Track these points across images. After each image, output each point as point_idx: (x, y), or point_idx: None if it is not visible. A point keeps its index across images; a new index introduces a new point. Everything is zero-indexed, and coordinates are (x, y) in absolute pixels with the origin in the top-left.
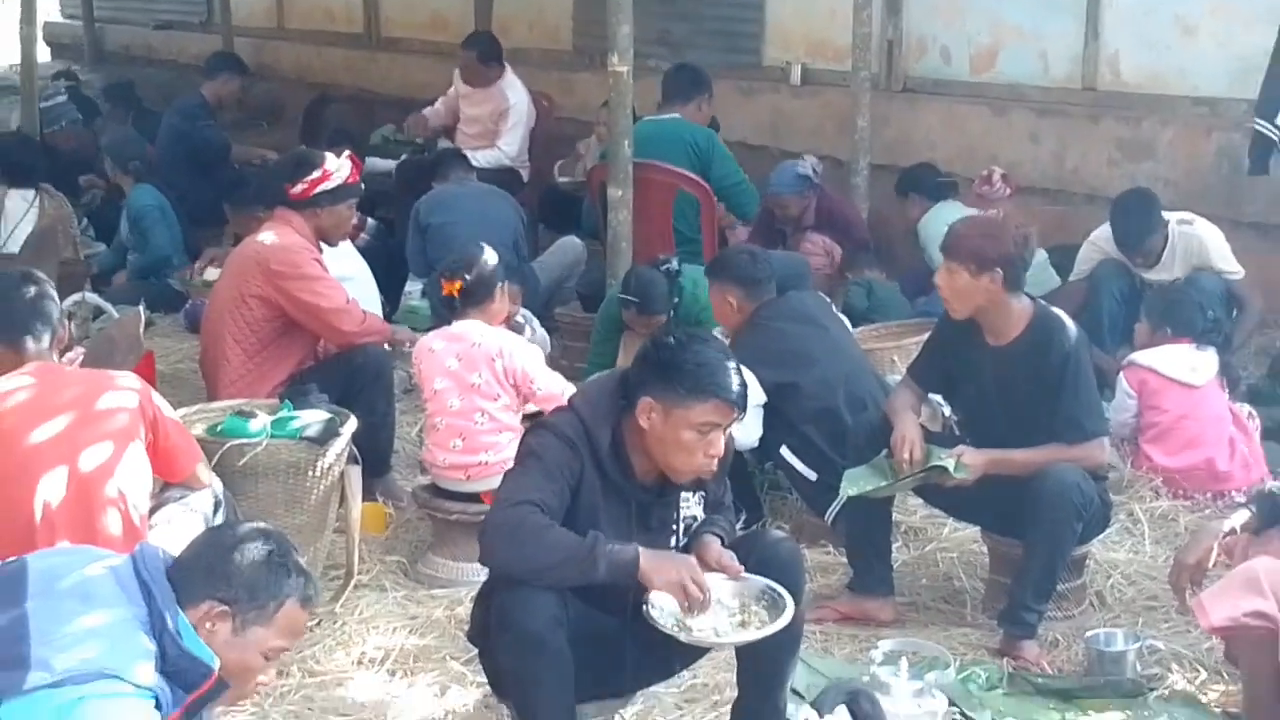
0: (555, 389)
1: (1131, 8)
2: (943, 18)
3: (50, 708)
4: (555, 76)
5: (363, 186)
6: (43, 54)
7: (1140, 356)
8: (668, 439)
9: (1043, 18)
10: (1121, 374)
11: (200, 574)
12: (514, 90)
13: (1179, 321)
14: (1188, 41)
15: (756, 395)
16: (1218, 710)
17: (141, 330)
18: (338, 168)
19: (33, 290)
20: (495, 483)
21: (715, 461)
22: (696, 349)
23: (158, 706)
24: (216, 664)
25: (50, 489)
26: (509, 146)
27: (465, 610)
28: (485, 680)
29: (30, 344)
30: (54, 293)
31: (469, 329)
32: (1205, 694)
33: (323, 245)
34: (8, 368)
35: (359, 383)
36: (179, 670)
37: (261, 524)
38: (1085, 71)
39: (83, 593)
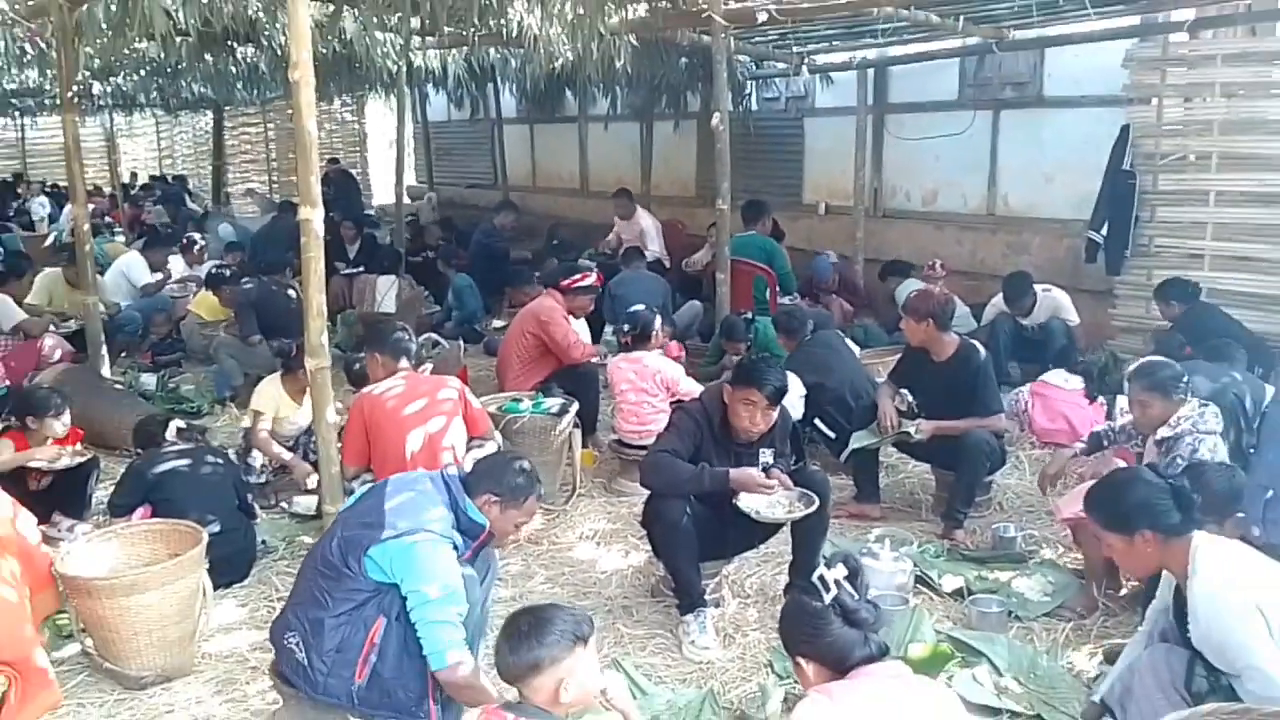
0: (690, 388)
1: (1015, 168)
2: (905, 174)
3: (399, 547)
4: (685, 210)
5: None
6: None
7: (1047, 376)
8: (734, 410)
9: (963, 174)
10: (1030, 386)
11: (483, 479)
12: (644, 217)
13: (1066, 365)
14: (1049, 186)
15: (799, 389)
16: (1068, 568)
17: (461, 354)
18: (590, 279)
19: (405, 333)
20: (651, 441)
21: (754, 425)
22: (756, 362)
23: (455, 548)
24: (489, 526)
25: (414, 440)
26: (653, 248)
27: (638, 510)
28: (650, 548)
29: (404, 361)
30: (412, 334)
31: (640, 355)
32: (1062, 560)
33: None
34: (388, 374)
35: (580, 383)
36: (467, 530)
37: (520, 455)
38: (988, 204)
39: (417, 491)
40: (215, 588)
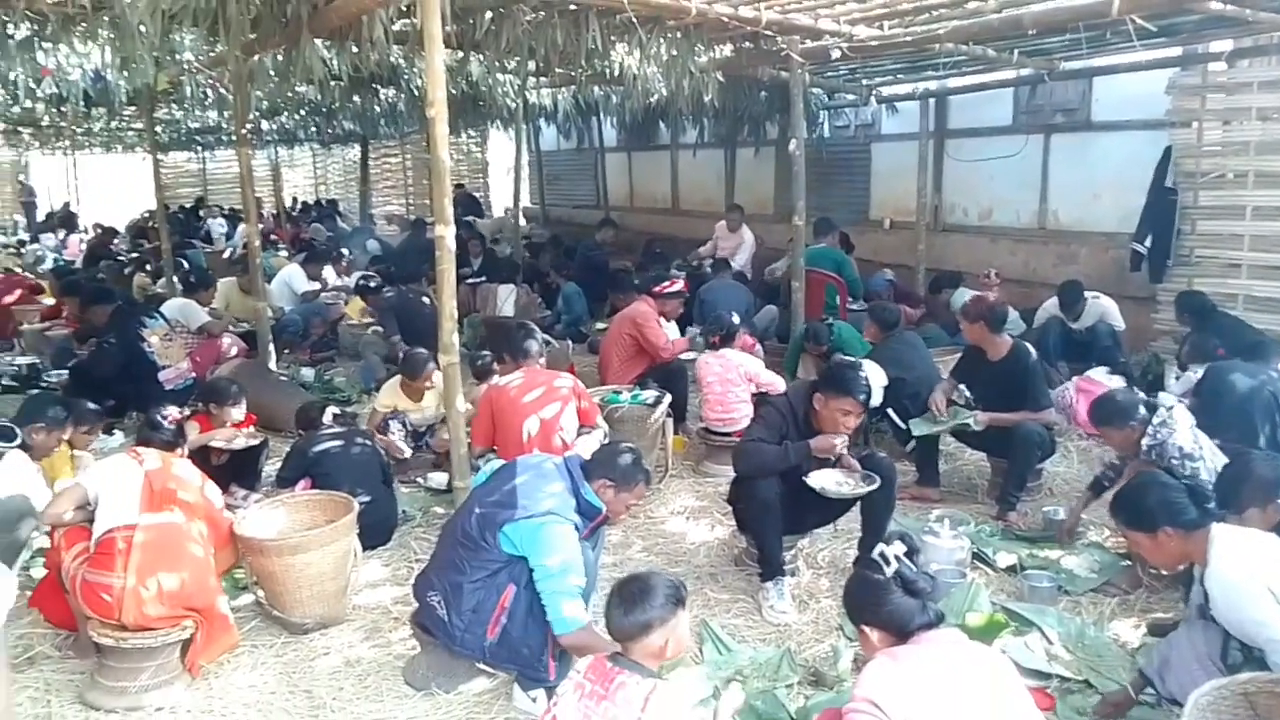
0: (771, 378)
1: (1065, 186)
2: (963, 192)
3: (529, 526)
4: (764, 226)
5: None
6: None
7: (1091, 373)
8: (827, 416)
9: (1016, 192)
10: (1076, 380)
11: (600, 465)
12: (747, 233)
13: (1110, 365)
14: (1096, 203)
15: (882, 379)
16: (1112, 551)
17: (569, 352)
18: (678, 285)
19: (524, 332)
20: (737, 428)
21: (848, 429)
22: (847, 371)
23: (575, 528)
24: (604, 509)
25: (531, 425)
26: (741, 260)
27: (723, 490)
28: (734, 523)
29: (524, 358)
30: (537, 334)
31: (726, 354)
32: (1107, 542)
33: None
34: (514, 369)
35: (672, 378)
36: (585, 511)
37: (629, 443)
38: (1040, 219)
39: (542, 474)
40: (363, 550)
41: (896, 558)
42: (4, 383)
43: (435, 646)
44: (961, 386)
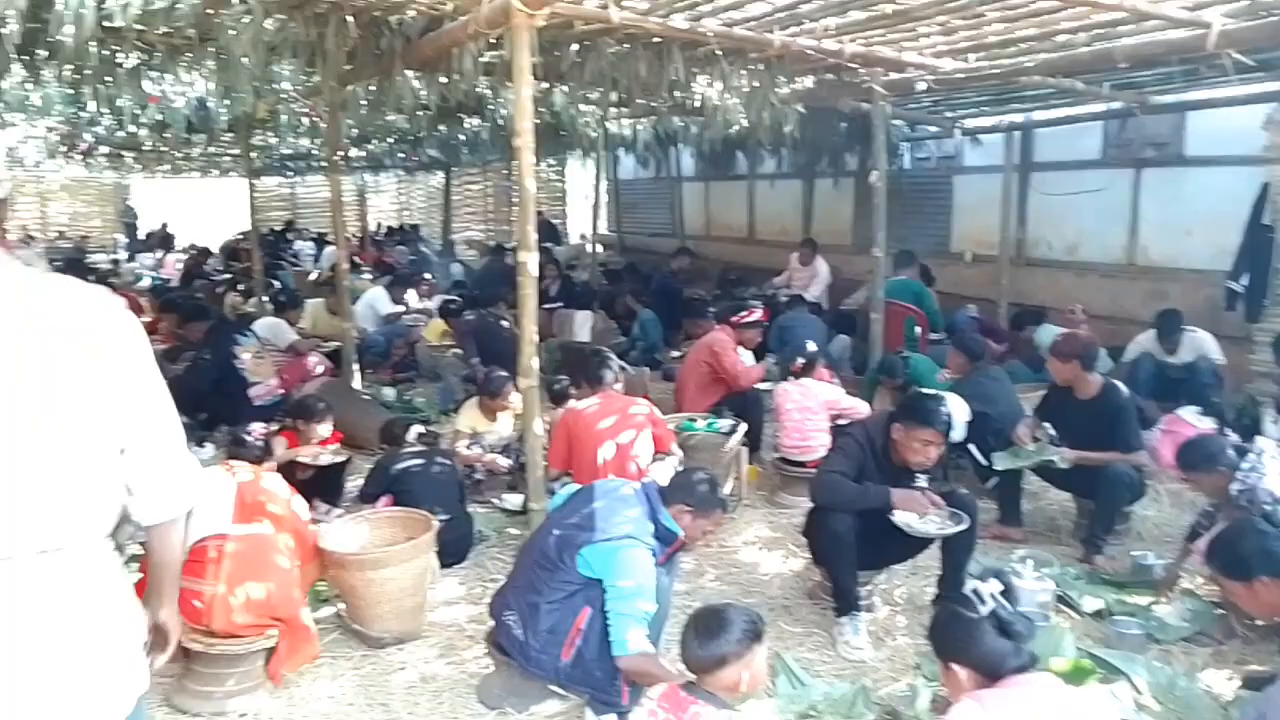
0: (854, 404)
1: (1156, 221)
2: (1048, 226)
3: (606, 549)
4: (842, 257)
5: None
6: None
7: (1180, 412)
8: (907, 445)
9: (1104, 226)
10: (1164, 420)
11: (677, 491)
12: (822, 265)
13: (1204, 404)
14: (1188, 239)
15: (965, 413)
16: (1205, 598)
17: (646, 380)
18: (757, 314)
19: (601, 359)
20: (813, 458)
21: (928, 460)
22: (926, 401)
23: (653, 554)
24: (682, 534)
25: (606, 450)
26: (816, 291)
27: (797, 521)
28: (809, 555)
29: (600, 384)
30: (614, 361)
31: (806, 382)
32: (1199, 590)
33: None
34: (590, 394)
35: (748, 406)
36: (663, 536)
37: (706, 470)
38: (1129, 254)
39: (620, 499)
40: (440, 567)
41: (992, 596)
42: None
43: (509, 666)
44: (1046, 425)
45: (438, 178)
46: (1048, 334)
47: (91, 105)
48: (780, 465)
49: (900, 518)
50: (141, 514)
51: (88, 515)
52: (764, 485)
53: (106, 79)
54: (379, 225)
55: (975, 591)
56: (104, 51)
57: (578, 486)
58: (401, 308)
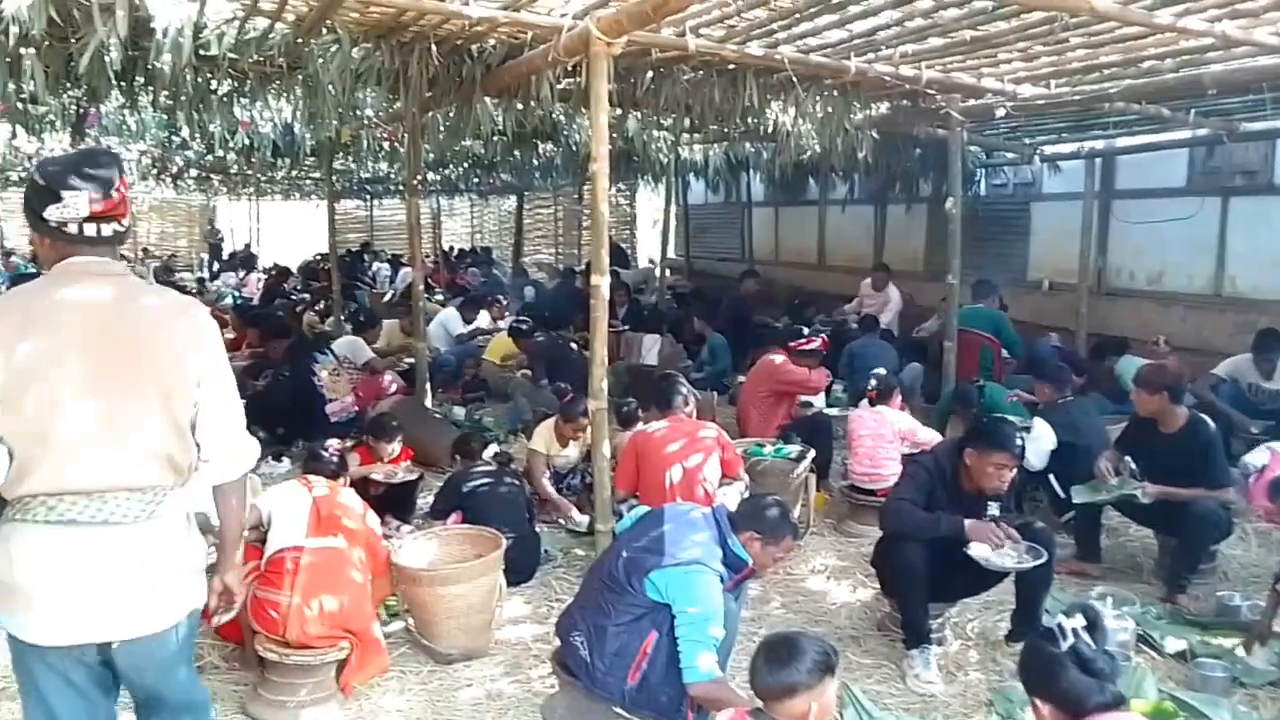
0: (929, 435)
1: (1245, 251)
2: (1130, 255)
3: (675, 573)
4: (914, 285)
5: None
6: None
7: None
8: (980, 471)
9: (1190, 256)
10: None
11: (747, 517)
12: (894, 292)
13: None
14: (1277, 271)
15: (1050, 441)
16: None
17: (714, 404)
18: (815, 344)
19: (671, 382)
20: (883, 486)
21: (1001, 485)
22: (999, 424)
23: (721, 580)
24: (751, 562)
25: (674, 473)
26: (887, 318)
27: (865, 550)
28: (878, 586)
29: (669, 407)
30: (684, 385)
31: (881, 410)
32: None
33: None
34: (658, 417)
35: (817, 432)
36: (731, 563)
37: (776, 496)
38: (1215, 285)
39: (689, 523)
40: (507, 586)
41: (1074, 631)
42: None
43: (574, 687)
44: (1127, 459)
45: (509, 202)
46: (1130, 365)
47: (185, 130)
48: (849, 493)
49: (975, 550)
50: (210, 475)
51: (174, 462)
52: (832, 513)
53: (200, 105)
54: (451, 247)
55: (1058, 626)
56: (198, 79)
57: (645, 508)
58: (472, 328)
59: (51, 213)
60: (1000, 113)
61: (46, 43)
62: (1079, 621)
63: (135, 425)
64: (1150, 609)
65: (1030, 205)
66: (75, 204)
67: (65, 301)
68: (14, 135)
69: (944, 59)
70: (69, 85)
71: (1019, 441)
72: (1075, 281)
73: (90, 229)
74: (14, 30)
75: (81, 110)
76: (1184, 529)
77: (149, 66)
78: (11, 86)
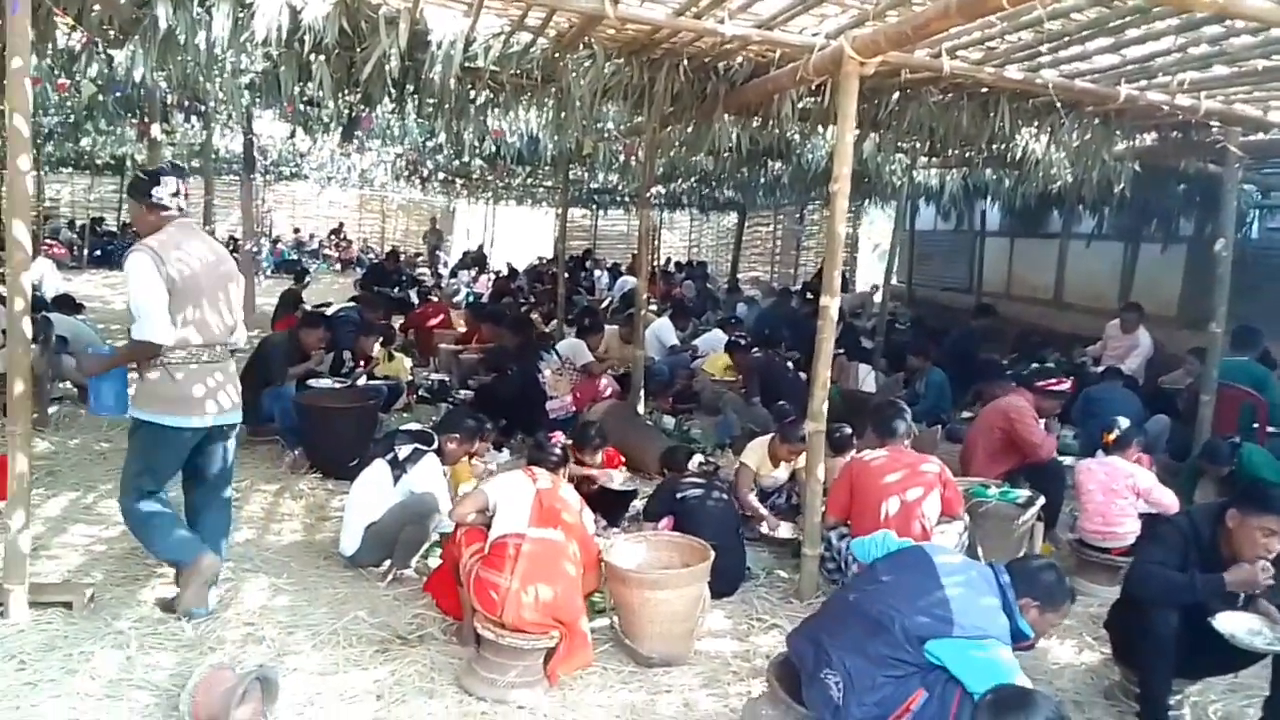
0: (1164, 497)
1: None
2: None
3: (966, 650)
4: (1164, 331)
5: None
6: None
7: None
8: (1244, 536)
9: None
10: None
11: (1024, 583)
12: (1144, 336)
13: None
14: None
15: None
16: None
17: (937, 439)
18: (1065, 385)
19: (894, 411)
20: (1118, 545)
21: (1271, 554)
22: (1271, 486)
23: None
24: (1032, 635)
25: (891, 505)
26: (1134, 364)
27: (1094, 611)
28: (1109, 650)
29: (890, 437)
30: (905, 415)
31: (1113, 461)
32: None
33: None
34: (876, 445)
35: (1048, 479)
36: (1014, 635)
37: (1056, 564)
38: None
39: (972, 585)
40: (711, 598)
41: None
42: (421, 394)
43: (793, 711)
44: None
45: (729, 218)
46: None
47: (441, 135)
48: (1079, 548)
49: (1224, 625)
50: (236, 338)
51: (234, 329)
52: (1057, 557)
53: (459, 113)
54: (668, 260)
55: None
56: (462, 88)
57: (887, 534)
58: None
59: (156, 191)
60: None
61: (335, 51)
62: None
63: (226, 309)
64: None
65: None
66: (170, 185)
67: (191, 242)
68: (292, 134)
69: (1228, 89)
70: (348, 91)
71: None
72: None
73: (178, 201)
74: (308, 39)
75: (356, 114)
76: None
77: (419, 76)
78: (297, 90)
